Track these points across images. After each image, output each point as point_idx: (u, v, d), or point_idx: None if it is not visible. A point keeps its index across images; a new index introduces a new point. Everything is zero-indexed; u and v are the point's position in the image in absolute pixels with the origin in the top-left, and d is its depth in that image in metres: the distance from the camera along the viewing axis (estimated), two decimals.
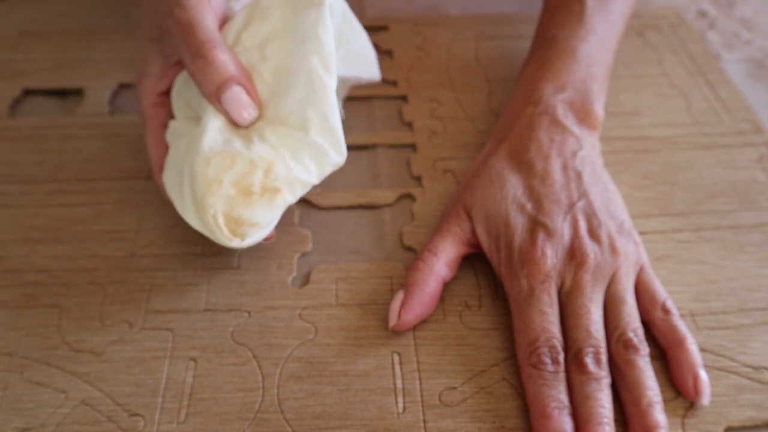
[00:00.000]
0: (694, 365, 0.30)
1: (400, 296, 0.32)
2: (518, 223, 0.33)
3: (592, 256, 0.32)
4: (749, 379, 0.31)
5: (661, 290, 0.33)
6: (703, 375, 0.30)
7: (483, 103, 0.45)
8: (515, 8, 0.54)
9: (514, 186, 0.35)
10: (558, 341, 0.30)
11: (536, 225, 0.33)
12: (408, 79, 0.47)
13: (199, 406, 0.30)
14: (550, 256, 0.32)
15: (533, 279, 0.32)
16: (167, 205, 0.38)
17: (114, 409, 0.30)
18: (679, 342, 0.31)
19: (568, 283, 0.32)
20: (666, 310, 0.32)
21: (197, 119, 0.33)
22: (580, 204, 0.34)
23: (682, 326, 0.31)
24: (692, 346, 0.31)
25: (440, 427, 0.29)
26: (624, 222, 0.34)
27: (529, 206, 0.34)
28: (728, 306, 0.34)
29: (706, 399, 0.30)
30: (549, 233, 0.33)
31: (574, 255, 0.32)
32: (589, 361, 0.30)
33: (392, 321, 0.32)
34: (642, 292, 0.33)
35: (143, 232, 0.37)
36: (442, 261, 0.33)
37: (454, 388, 0.31)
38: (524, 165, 0.35)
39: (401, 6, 0.54)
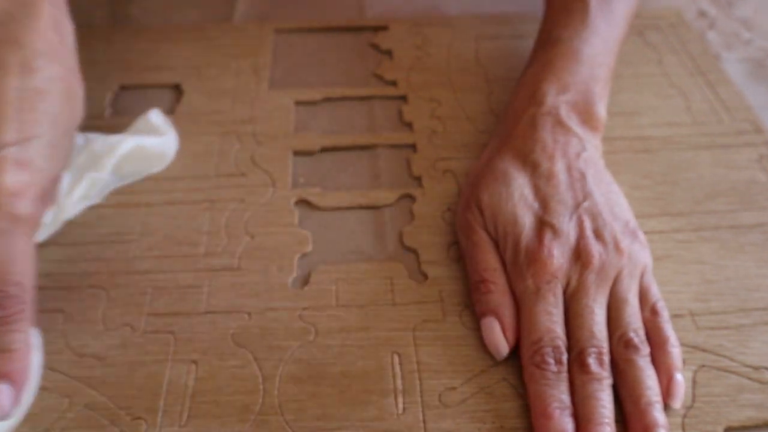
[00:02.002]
0: (671, 367, 0.30)
1: (495, 325, 0.32)
2: (525, 222, 0.33)
3: (597, 256, 0.32)
4: (749, 379, 0.31)
5: (654, 291, 0.33)
6: (678, 378, 0.30)
7: (483, 103, 0.45)
8: (515, 8, 0.54)
9: (520, 185, 0.35)
10: (562, 341, 0.30)
11: (543, 225, 0.33)
12: (408, 79, 0.47)
13: (200, 409, 0.30)
14: (557, 256, 0.32)
15: (539, 279, 0.32)
16: (168, 206, 0.39)
17: (116, 413, 0.30)
18: (661, 343, 0.31)
19: (573, 283, 0.32)
20: (654, 311, 0.32)
21: None
22: (585, 204, 0.34)
23: (668, 328, 0.31)
24: (673, 348, 0.31)
25: (440, 428, 0.29)
26: (628, 222, 0.34)
27: (535, 206, 0.34)
28: (728, 306, 0.34)
29: (677, 402, 0.30)
30: (556, 233, 0.33)
31: (579, 255, 0.32)
32: (591, 361, 0.30)
33: (504, 350, 0.31)
34: (639, 293, 0.33)
35: (144, 234, 0.37)
36: (499, 271, 0.33)
37: (454, 388, 0.31)
38: (529, 165, 0.35)
39: (401, 6, 0.54)
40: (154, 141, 0.40)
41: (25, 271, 0.30)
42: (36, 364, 0.31)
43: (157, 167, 0.40)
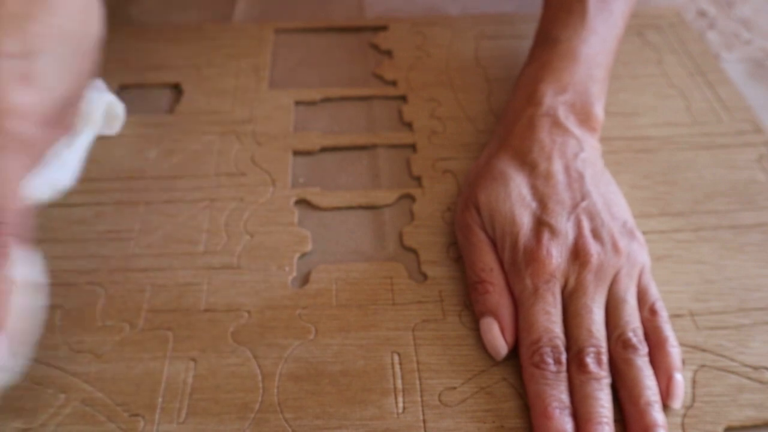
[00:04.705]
0: (670, 367, 0.30)
1: (493, 325, 0.32)
2: (523, 222, 0.33)
3: (595, 256, 0.32)
4: (749, 379, 0.31)
5: (653, 291, 0.33)
6: (677, 378, 0.30)
7: (483, 103, 0.45)
8: (515, 8, 0.54)
9: (518, 185, 0.35)
10: (561, 341, 0.30)
11: (541, 225, 0.33)
12: (408, 79, 0.47)
13: (199, 407, 0.30)
14: (555, 255, 0.32)
15: (538, 278, 0.32)
16: (168, 204, 0.39)
17: (114, 410, 0.30)
18: (660, 343, 0.31)
19: (571, 282, 0.32)
20: (653, 311, 0.32)
21: None
22: (584, 204, 0.34)
23: (667, 328, 0.31)
24: (673, 348, 0.31)
25: (440, 427, 0.29)
26: (626, 222, 0.34)
27: (533, 206, 0.34)
28: (728, 306, 0.34)
29: (676, 402, 0.30)
30: (554, 233, 0.33)
31: (577, 255, 0.32)
32: (590, 360, 0.30)
33: (503, 350, 0.31)
34: (638, 292, 0.33)
35: (143, 232, 0.37)
36: (496, 272, 0.33)
37: (454, 388, 0.31)
38: (527, 165, 0.35)
39: (401, 6, 0.54)
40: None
41: (7, 194, 0.27)
42: (23, 305, 0.26)
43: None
